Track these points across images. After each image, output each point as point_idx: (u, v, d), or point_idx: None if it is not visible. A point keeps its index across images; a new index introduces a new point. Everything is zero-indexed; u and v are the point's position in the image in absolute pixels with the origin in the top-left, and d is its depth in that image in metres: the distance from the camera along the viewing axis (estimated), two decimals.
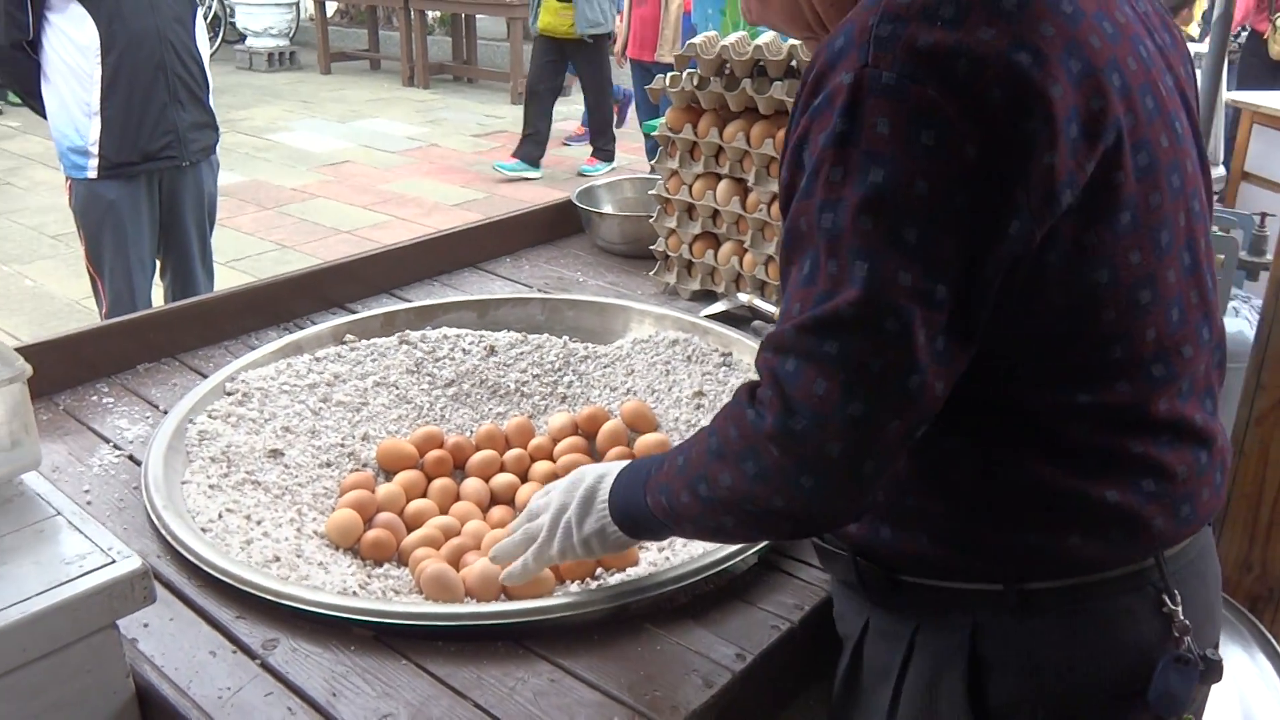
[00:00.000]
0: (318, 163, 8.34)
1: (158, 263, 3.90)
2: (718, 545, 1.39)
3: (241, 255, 6.19)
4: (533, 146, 8.15)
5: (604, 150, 8.36)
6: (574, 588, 1.37)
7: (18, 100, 4.76)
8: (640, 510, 1.19)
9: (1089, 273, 0.99)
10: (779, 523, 1.04)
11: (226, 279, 4.68)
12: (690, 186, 2.17)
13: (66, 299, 5.52)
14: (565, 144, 9.12)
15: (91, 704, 1.02)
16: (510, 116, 9.97)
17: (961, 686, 1.11)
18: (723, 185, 2.14)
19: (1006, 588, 1.09)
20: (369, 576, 1.46)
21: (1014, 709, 1.11)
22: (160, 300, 4.02)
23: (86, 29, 3.44)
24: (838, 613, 1.28)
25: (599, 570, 1.43)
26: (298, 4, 12.75)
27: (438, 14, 11.10)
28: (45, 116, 3.63)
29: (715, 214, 2.17)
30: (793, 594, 1.34)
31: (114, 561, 1.00)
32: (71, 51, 3.45)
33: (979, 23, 0.94)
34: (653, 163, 2.26)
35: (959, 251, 0.94)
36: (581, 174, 8.14)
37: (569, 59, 8.04)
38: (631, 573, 1.39)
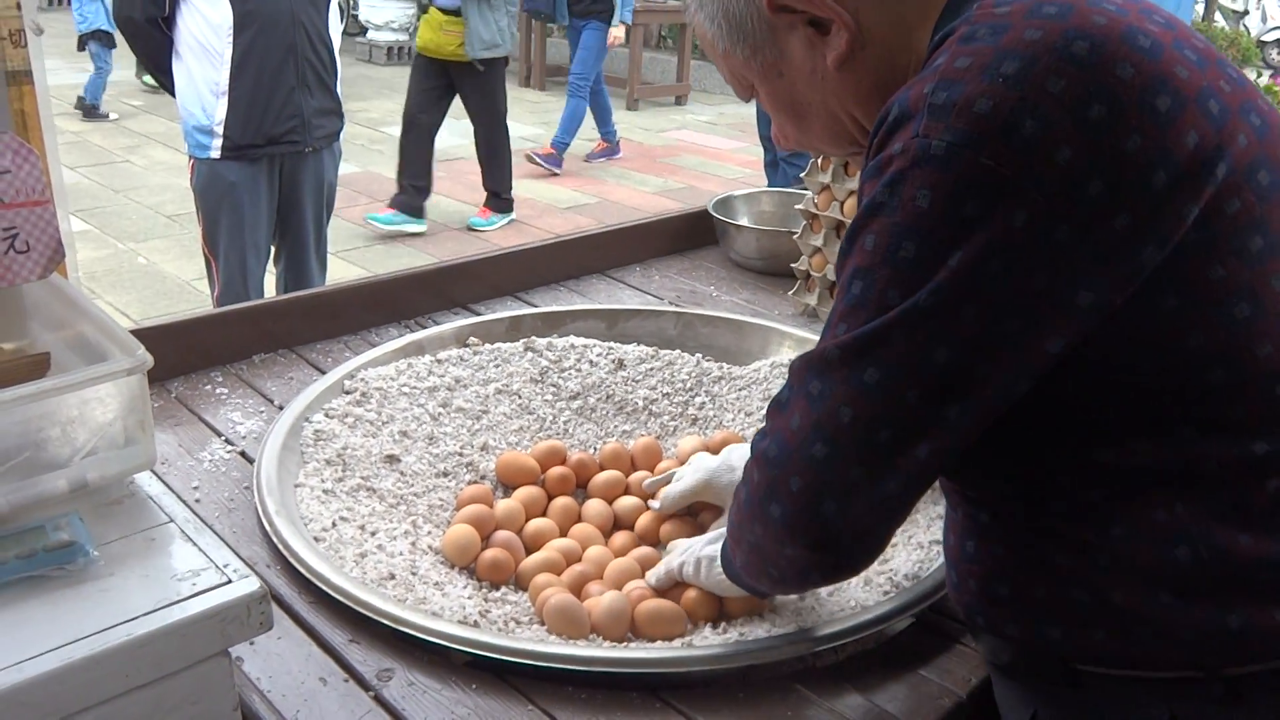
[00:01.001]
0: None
1: (272, 249, 3.87)
2: (875, 600, 1.26)
3: (352, 246, 6.18)
4: (412, 194, 6.49)
5: (500, 200, 6.77)
6: (713, 637, 1.24)
7: (153, 83, 4.82)
8: (731, 569, 1.19)
9: (1226, 309, 0.89)
10: (770, 560, 1.04)
11: (337, 269, 4.65)
12: (843, 203, 2.04)
13: (179, 279, 5.54)
14: (586, 160, 8.52)
15: None
16: (626, 123, 9.89)
17: None
18: None
19: (1207, 675, 0.94)
20: (486, 600, 1.34)
21: None
22: (272, 287, 3.99)
23: (221, 8, 3.43)
24: (999, 697, 1.14)
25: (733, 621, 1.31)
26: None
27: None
28: (174, 94, 3.62)
29: None
30: (959, 662, 1.20)
31: (230, 581, 0.90)
32: (205, 30, 3.43)
33: (1047, 74, 0.85)
34: (802, 175, 2.13)
35: (988, 323, 0.88)
36: (471, 228, 6.72)
37: (455, 86, 6.37)
38: (777, 624, 1.25)
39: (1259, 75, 9.66)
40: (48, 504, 0.96)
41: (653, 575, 1.35)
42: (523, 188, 7.64)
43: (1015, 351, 0.89)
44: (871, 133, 0.96)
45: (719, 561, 1.22)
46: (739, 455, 1.44)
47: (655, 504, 1.54)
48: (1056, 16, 0.89)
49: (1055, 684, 1.03)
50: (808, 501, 0.95)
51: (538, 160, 8.01)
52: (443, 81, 6.29)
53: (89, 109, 8.80)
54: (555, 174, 8.05)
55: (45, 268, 1.08)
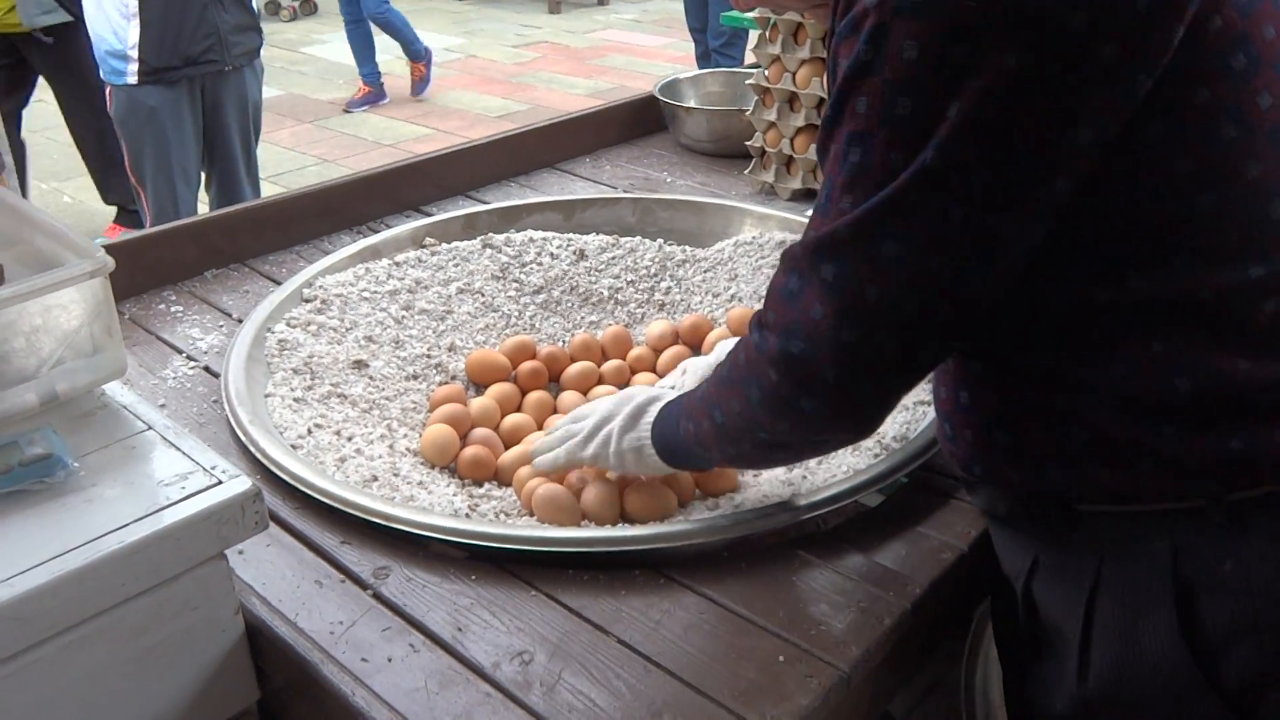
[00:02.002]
0: (354, 75, 8.12)
1: (202, 175, 3.76)
2: (866, 463, 1.25)
3: (281, 170, 6.03)
4: None
5: (128, 214, 4.85)
6: (708, 513, 1.23)
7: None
8: (675, 436, 1.15)
9: (1212, 131, 0.88)
10: (791, 446, 1.04)
11: (269, 193, 4.53)
12: (794, 74, 1.99)
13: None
14: (347, 110, 7.31)
15: (198, 643, 0.89)
16: (549, 27, 9.72)
17: (1171, 619, 0.97)
18: None
19: (1209, 503, 0.94)
20: (472, 497, 1.32)
21: (1233, 638, 0.96)
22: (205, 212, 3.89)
23: None
24: (998, 547, 1.14)
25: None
26: None
27: None
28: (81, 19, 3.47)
29: (821, 103, 1.99)
30: (957, 516, 1.19)
31: (220, 482, 0.86)
32: None
33: None
34: (752, 48, 2.08)
35: (997, 174, 0.85)
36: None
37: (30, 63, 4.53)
38: (771, 493, 1.24)
39: None
40: (17, 419, 0.91)
41: (546, 461, 1.28)
42: (449, 99, 7.49)
43: (1027, 198, 0.87)
44: None
45: (649, 448, 1.18)
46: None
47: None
48: None
49: (1055, 527, 1.03)
50: (846, 389, 0.92)
51: (358, 108, 7.20)
52: (12, 59, 4.45)
53: None
54: (385, 103, 7.35)
55: None
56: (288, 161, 6.22)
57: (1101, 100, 0.85)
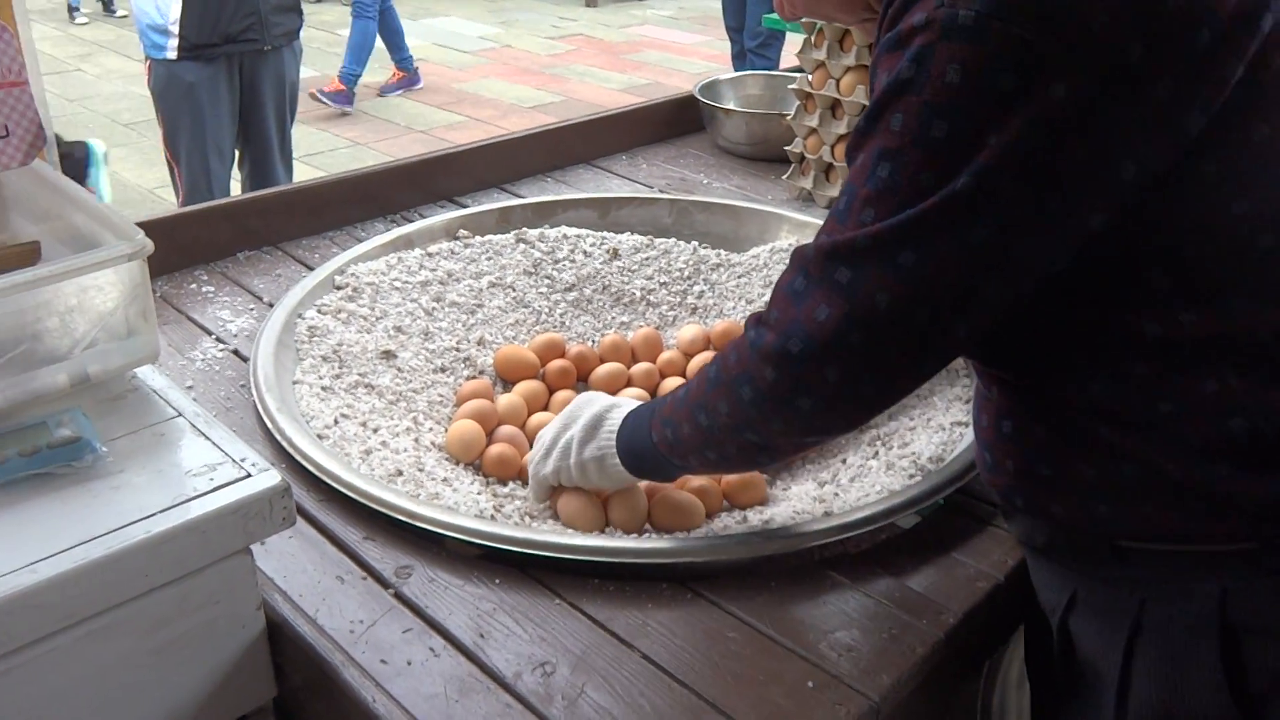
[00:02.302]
0: (389, 60, 8.14)
1: (236, 153, 3.76)
2: (901, 484, 1.23)
3: (314, 151, 6.04)
4: None
5: None
6: (735, 527, 1.21)
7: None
8: (645, 446, 1.13)
9: (1270, 171, 0.86)
10: (779, 448, 1.04)
11: (301, 174, 4.53)
12: (839, 80, 1.97)
13: (141, 188, 5.40)
14: (381, 94, 7.26)
15: (219, 638, 0.88)
16: (584, 19, 9.70)
17: (1216, 664, 0.94)
18: None
19: (1263, 546, 0.92)
20: (496, 496, 1.30)
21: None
22: (237, 191, 3.89)
23: None
24: (1035, 579, 1.12)
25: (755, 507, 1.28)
26: None
27: None
28: None
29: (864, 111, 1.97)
30: (993, 544, 1.17)
31: (249, 475, 0.85)
32: None
33: None
34: (796, 53, 2.05)
35: (1031, 204, 0.84)
36: None
37: None
38: (802, 509, 1.22)
39: None
40: (47, 399, 0.90)
41: (532, 492, 1.28)
42: (482, 87, 7.47)
43: (1056, 229, 0.85)
44: (886, 2, 0.90)
45: (613, 458, 1.16)
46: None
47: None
48: None
49: (1097, 562, 1.00)
50: (847, 388, 0.91)
51: (323, 99, 6.80)
52: None
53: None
54: (347, 113, 6.86)
55: (27, 154, 1.01)
56: (320, 143, 6.23)
57: (1151, 137, 0.83)
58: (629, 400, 1.22)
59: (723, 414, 1.00)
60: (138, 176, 5.49)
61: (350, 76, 6.82)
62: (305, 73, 4.33)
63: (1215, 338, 0.89)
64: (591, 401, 1.22)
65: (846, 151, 0.94)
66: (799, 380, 0.92)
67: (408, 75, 7.23)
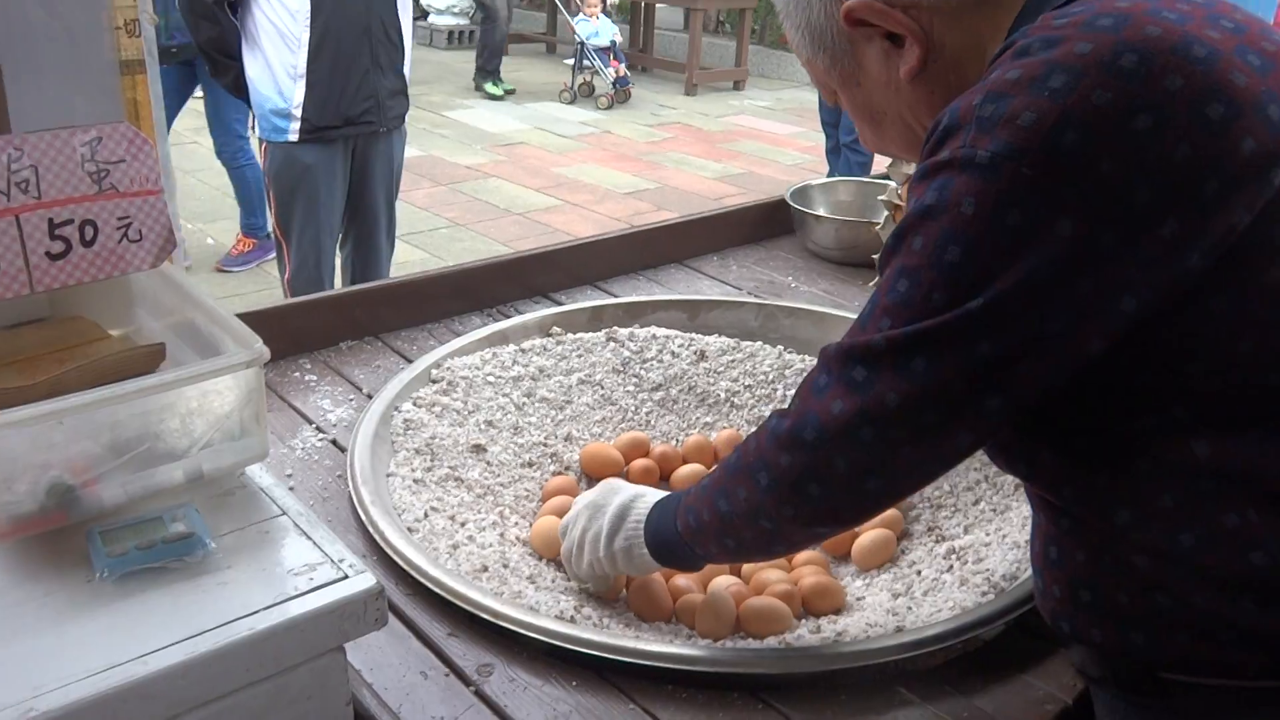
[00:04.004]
0: (492, 142, 8.36)
1: (340, 231, 3.89)
2: (974, 601, 1.24)
3: (415, 230, 6.20)
4: None
5: None
6: (809, 637, 1.23)
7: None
8: (670, 534, 1.19)
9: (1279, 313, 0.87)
10: (793, 537, 1.08)
11: (400, 252, 4.67)
12: None
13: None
14: (221, 269, 5.60)
15: None
16: (684, 108, 9.87)
17: None
18: None
19: None
20: (578, 595, 1.34)
21: None
22: (339, 269, 4.01)
23: None
24: (1096, 708, 1.12)
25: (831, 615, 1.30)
26: None
27: (617, 1, 11.06)
28: (226, 85, 3.63)
29: None
30: (1063, 667, 1.18)
31: (346, 577, 0.90)
32: (281, 14, 3.45)
33: (1093, 86, 0.85)
34: (887, 165, 2.10)
35: (1035, 330, 0.89)
36: None
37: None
38: (874, 621, 1.24)
39: None
40: (164, 495, 0.96)
41: (592, 586, 1.33)
42: (581, 172, 7.62)
43: (1058, 351, 0.90)
44: (924, 140, 0.97)
45: (640, 547, 1.23)
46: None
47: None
48: (1110, 29, 0.89)
49: (1144, 695, 1.01)
50: (854, 480, 0.97)
51: (231, 268, 5.61)
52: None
53: None
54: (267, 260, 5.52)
55: (157, 256, 1.09)
56: (421, 222, 6.40)
57: (1153, 275, 0.86)
58: (654, 490, 1.30)
59: (740, 499, 1.07)
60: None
61: (255, 228, 5.62)
62: (409, 152, 4.49)
63: (1232, 471, 0.91)
64: (616, 490, 1.30)
65: (878, 263, 1.01)
66: (809, 467, 0.98)
67: (259, 244, 5.62)
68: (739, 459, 1.08)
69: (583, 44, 9.74)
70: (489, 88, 9.80)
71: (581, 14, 9.90)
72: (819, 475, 0.98)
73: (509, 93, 9.86)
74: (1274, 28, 0.96)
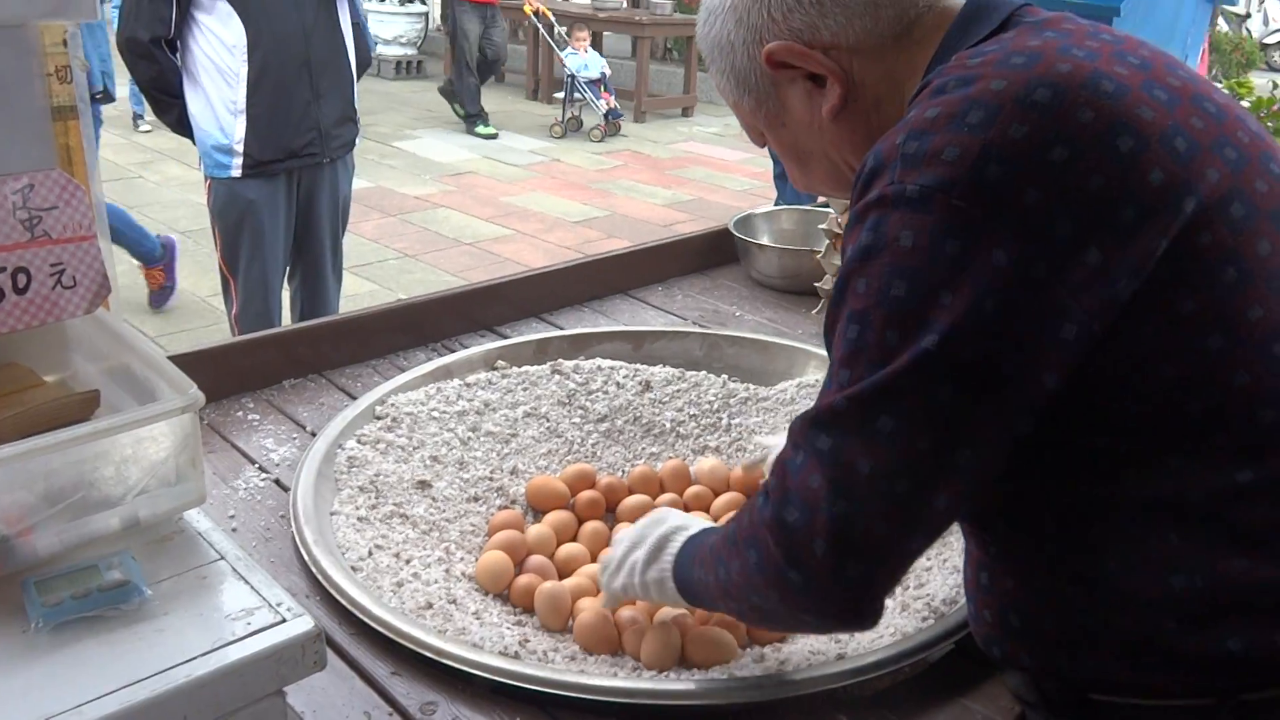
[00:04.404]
0: (441, 172, 8.36)
1: (288, 265, 3.87)
2: (915, 627, 1.26)
3: (364, 262, 6.19)
4: None
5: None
6: (753, 666, 1.24)
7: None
8: (691, 578, 1.18)
9: (1199, 340, 0.90)
10: (781, 618, 1.06)
11: (350, 285, 4.66)
12: None
13: (194, 295, 5.55)
14: (154, 308, 5.39)
15: None
16: (633, 135, 9.92)
17: None
18: None
19: (1218, 702, 0.95)
20: (523, 626, 1.35)
21: None
22: (287, 302, 4.00)
23: (233, 27, 3.42)
24: None
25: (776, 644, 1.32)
26: (427, 14, 12.86)
27: (564, 29, 11.10)
28: (170, 123, 3.60)
29: None
30: (1002, 690, 1.19)
31: (284, 620, 0.90)
32: (219, 50, 3.43)
33: (1010, 121, 0.89)
34: (820, 199, 2.13)
35: (988, 363, 0.89)
36: None
37: None
38: (817, 649, 1.26)
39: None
40: (100, 542, 0.96)
41: (604, 602, 1.35)
42: (530, 200, 7.64)
43: (1015, 389, 0.90)
44: (852, 184, 0.99)
45: (672, 585, 1.21)
46: None
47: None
48: (1022, 66, 0.92)
49: (1074, 716, 1.03)
50: (832, 566, 0.93)
51: (161, 309, 5.42)
52: None
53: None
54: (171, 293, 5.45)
55: (91, 302, 1.08)
56: (370, 253, 6.38)
57: (1087, 300, 0.88)
58: (699, 521, 1.28)
59: (735, 572, 1.05)
60: (193, 284, 5.65)
61: (145, 256, 5.32)
62: (358, 183, 4.48)
63: (1155, 498, 0.94)
64: (662, 520, 1.28)
65: (825, 327, 1.00)
66: (790, 551, 0.95)
67: (167, 275, 5.41)
68: (735, 530, 1.06)
69: (573, 77, 9.67)
70: (480, 129, 9.62)
71: (570, 47, 9.85)
72: (799, 561, 0.94)
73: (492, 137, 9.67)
74: (1181, 63, 1.00)
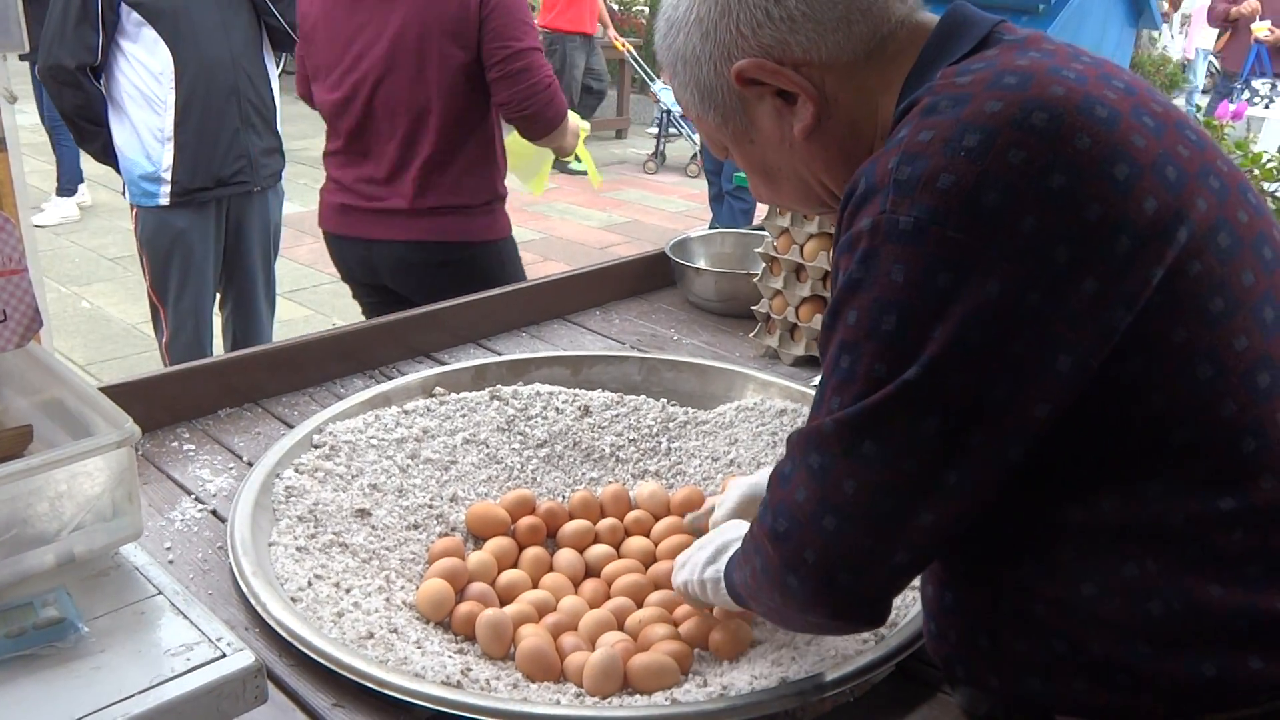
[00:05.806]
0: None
1: (218, 293, 3.83)
2: (855, 649, 1.27)
3: (298, 287, 6.13)
4: None
5: None
6: (696, 692, 1.25)
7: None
8: (733, 580, 1.20)
9: (1188, 370, 0.91)
10: (791, 617, 1.09)
11: (284, 310, 4.61)
12: (802, 246, 2.06)
13: (124, 323, 5.47)
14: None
15: None
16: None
17: None
18: None
19: None
20: (464, 654, 1.34)
21: None
22: (219, 329, 3.95)
23: (160, 55, 3.37)
24: None
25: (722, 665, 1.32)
26: None
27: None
28: (93, 152, 3.53)
29: (827, 276, 2.06)
30: (942, 710, 1.21)
31: (224, 655, 0.89)
32: (145, 78, 3.38)
33: (1008, 146, 0.88)
34: (762, 219, 2.15)
35: (977, 395, 0.90)
36: None
37: None
38: (758, 674, 1.26)
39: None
40: (34, 580, 0.95)
41: (681, 592, 1.39)
42: None
43: (1005, 417, 0.91)
44: (841, 205, 0.99)
45: (724, 585, 1.25)
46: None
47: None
48: (1016, 87, 0.92)
49: None
50: (823, 573, 0.98)
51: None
52: None
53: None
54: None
55: (23, 336, 1.07)
56: (304, 278, 6.32)
57: (1082, 331, 0.89)
58: None
59: (749, 576, 1.10)
60: (121, 312, 5.56)
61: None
62: (291, 208, 4.44)
63: (1133, 524, 0.95)
64: (733, 528, 1.33)
65: (819, 344, 1.02)
66: (785, 558, 1.00)
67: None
68: (748, 537, 1.11)
69: (668, 112, 9.40)
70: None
71: (660, 81, 9.47)
72: (795, 568, 0.99)
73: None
74: (1156, 89, 1.01)
